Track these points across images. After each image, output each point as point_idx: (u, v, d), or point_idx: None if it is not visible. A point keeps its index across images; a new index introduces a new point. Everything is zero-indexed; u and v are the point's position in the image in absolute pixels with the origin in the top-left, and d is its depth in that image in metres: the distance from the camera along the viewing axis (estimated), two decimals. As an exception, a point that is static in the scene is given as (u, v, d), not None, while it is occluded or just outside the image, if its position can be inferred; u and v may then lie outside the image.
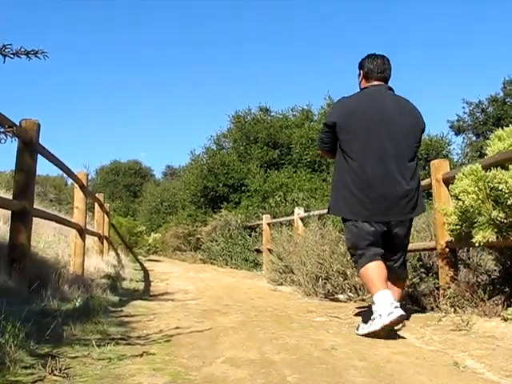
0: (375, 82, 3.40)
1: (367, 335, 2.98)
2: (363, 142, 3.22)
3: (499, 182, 3.17)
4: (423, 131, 3.43)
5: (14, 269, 3.45)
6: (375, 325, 2.94)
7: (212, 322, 3.45)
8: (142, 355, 2.31)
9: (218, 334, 3.00)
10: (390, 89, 3.43)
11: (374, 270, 3.10)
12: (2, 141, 1.92)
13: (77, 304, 3.42)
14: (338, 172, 3.38)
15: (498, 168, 3.27)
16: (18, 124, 3.50)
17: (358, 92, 3.51)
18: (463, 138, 25.01)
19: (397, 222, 3.25)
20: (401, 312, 2.93)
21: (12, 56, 1.68)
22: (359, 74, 3.53)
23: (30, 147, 3.73)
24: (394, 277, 3.32)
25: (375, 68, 3.39)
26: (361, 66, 3.50)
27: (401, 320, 2.96)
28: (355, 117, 3.27)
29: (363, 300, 4.69)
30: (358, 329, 3.12)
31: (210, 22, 60.26)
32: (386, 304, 2.94)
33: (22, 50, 1.68)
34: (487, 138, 4.06)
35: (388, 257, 3.28)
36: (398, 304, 3.03)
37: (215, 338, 2.88)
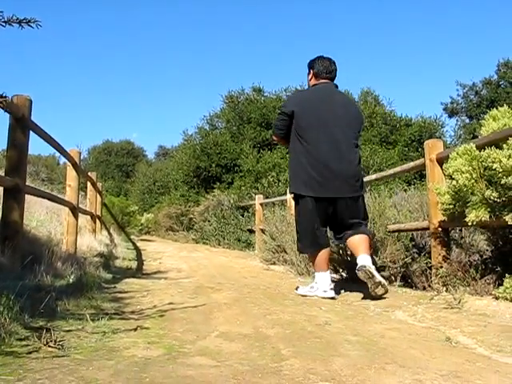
0: (323, 81, 3.93)
1: (303, 295, 3.78)
2: (317, 128, 3.72)
3: (493, 162, 3.17)
4: (363, 123, 4.06)
5: (6, 246, 3.43)
6: (312, 292, 3.76)
7: (205, 299, 3.46)
8: (136, 329, 2.32)
9: (211, 309, 3.00)
10: (336, 86, 3.98)
11: (323, 254, 3.77)
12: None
13: (70, 280, 3.43)
14: (294, 156, 3.86)
15: (492, 147, 3.27)
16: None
17: (310, 87, 4.03)
18: (456, 120, 25.11)
19: (348, 198, 3.73)
20: (332, 295, 3.72)
21: (4, 24, 1.65)
22: (309, 73, 4.03)
23: (21, 123, 3.69)
24: (358, 231, 3.76)
25: (324, 69, 3.92)
26: (311, 67, 4.01)
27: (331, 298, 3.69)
28: (310, 107, 3.78)
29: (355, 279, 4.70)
30: (297, 289, 3.96)
31: (202, 4, 59.62)
32: (326, 283, 3.74)
33: (14, 18, 1.64)
34: (482, 120, 4.06)
35: (345, 227, 3.79)
36: (333, 286, 3.82)
37: (209, 313, 2.89)
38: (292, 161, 3.90)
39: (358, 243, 3.73)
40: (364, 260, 3.61)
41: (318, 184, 3.66)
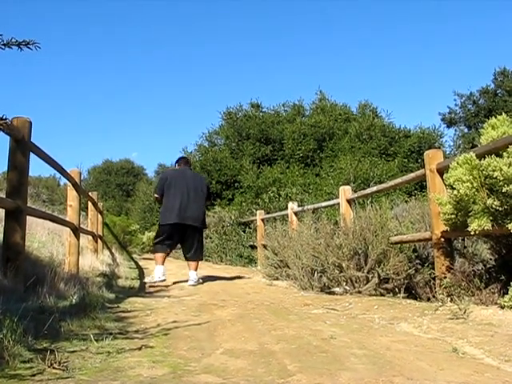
0: (182, 166, 6.84)
1: (146, 283, 6.27)
2: (174, 190, 6.42)
3: (494, 170, 3.18)
4: (207, 187, 6.86)
5: (8, 268, 3.42)
6: (151, 281, 6.28)
7: (209, 316, 3.44)
8: (140, 348, 2.30)
9: (215, 326, 2.99)
10: (190, 168, 7.06)
11: (161, 254, 6.43)
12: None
13: (73, 301, 3.41)
14: (164, 203, 6.51)
15: (493, 156, 3.27)
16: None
17: (175, 168, 7.00)
18: (455, 130, 25.17)
19: (191, 230, 6.44)
20: (164, 278, 6.32)
21: (3, 47, 1.66)
22: (176, 163, 7.00)
23: (22, 145, 3.70)
24: (192, 259, 6.54)
25: (182, 163, 6.91)
26: (176, 161, 7.01)
27: (162, 282, 6.26)
28: (173, 178, 6.55)
29: (359, 292, 4.69)
30: (145, 279, 6.49)
31: (199, 20, 60.11)
32: (160, 273, 6.31)
33: (14, 40, 1.65)
34: (480, 129, 4.07)
35: (187, 250, 6.60)
36: (165, 273, 6.42)
37: (213, 330, 2.87)
38: (163, 206, 6.53)
39: (191, 264, 6.55)
40: (192, 274, 6.46)
41: (174, 219, 6.27)
